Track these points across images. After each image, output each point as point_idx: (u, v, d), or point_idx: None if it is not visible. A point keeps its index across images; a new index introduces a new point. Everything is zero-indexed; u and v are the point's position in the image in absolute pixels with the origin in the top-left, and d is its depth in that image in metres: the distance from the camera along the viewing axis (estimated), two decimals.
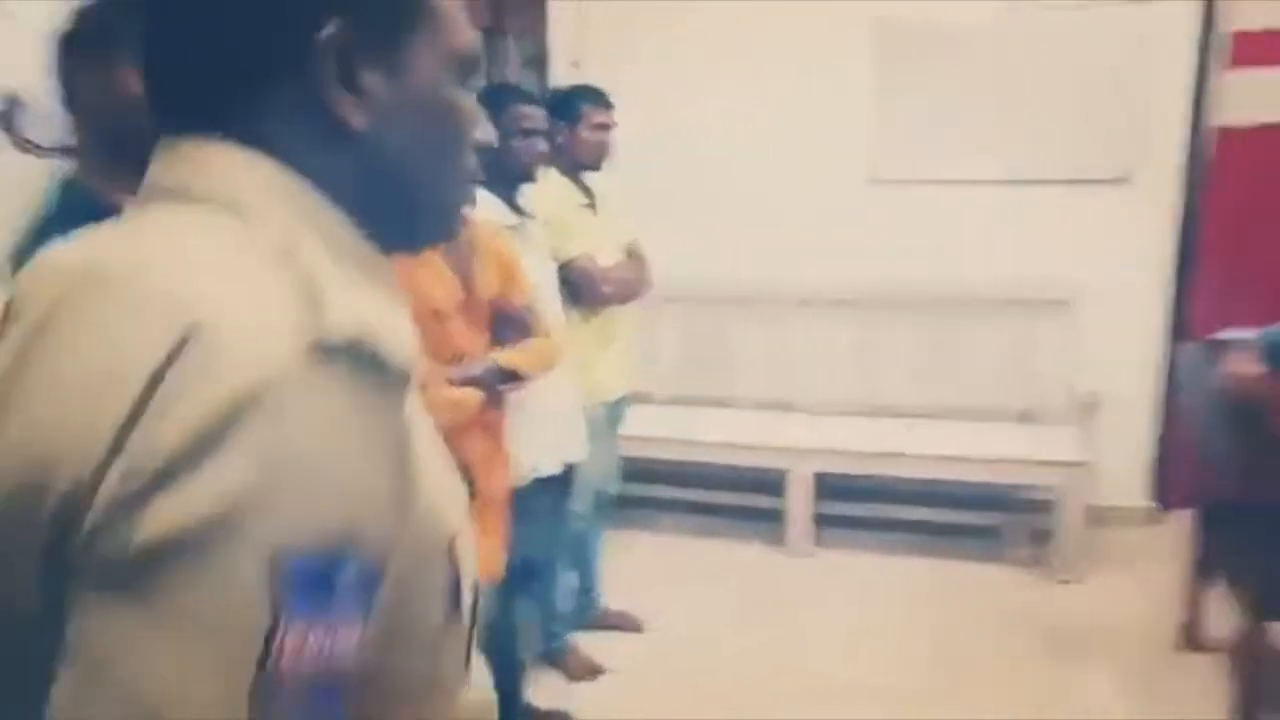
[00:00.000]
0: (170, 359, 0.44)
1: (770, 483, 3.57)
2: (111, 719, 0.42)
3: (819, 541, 3.48)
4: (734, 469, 3.60)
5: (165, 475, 0.42)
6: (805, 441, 3.45)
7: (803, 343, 3.81)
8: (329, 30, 0.54)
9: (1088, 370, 3.42)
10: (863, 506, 3.60)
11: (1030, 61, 3.44)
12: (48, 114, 1.53)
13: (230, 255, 0.51)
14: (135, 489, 0.42)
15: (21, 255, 1.26)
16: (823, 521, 3.50)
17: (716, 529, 3.67)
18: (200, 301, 0.46)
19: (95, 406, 0.44)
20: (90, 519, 0.43)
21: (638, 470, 3.32)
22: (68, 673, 0.42)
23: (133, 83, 1.31)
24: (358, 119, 0.56)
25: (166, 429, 0.43)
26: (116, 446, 0.43)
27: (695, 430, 3.60)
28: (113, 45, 1.31)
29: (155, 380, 0.44)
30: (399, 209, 0.60)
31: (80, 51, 1.33)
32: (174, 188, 0.56)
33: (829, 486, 3.48)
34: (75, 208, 1.31)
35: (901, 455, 3.32)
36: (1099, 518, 3.39)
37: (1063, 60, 3.41)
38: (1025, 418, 3.52)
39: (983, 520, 3.47)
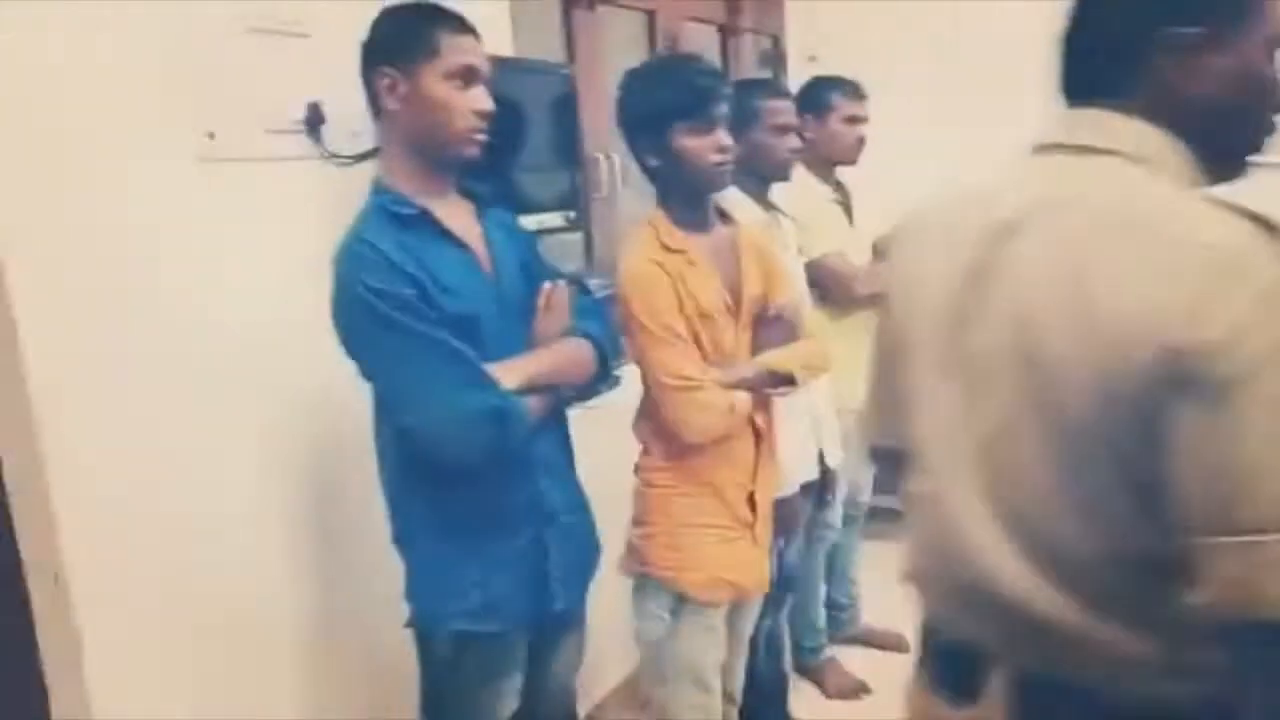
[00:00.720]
0: (1216, 262, 0.74)
1: None
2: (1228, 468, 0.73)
3: None
4: None
5: (1241, 329, 0.72)
6: None
7: None
8: (1188, 31, 0.84)
9: None
10: None
11: None
12: (349, 124, 1.62)
13: (1172, 192, 0.84)
14: (1218, 341, 0.72)
15: (346, 254, 1.33)
16: None
17: None
18: (1224, 222, 0.77)
19: (1171, 300, 0.74)
20: (1184, 358, 0.73)
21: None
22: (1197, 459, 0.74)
23: (432, 87, 1.35)
24: (1197, 89, 0.86)
25: (1237, 305, 0.72)
26: (1198, 316, 0.73)
27: None
28: (407, 52, 1.36)
29: (1214, 281, 0.73)
30: (1212, 152, 0.88)
31: (379, 59, 1.38)
32: (1084, 144, 0.89)
33: None
34: (384, 209, 1.37)
35: None
36: None
37: None
38: None
39: None
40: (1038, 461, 0.84)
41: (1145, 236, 0.79)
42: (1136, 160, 0.86)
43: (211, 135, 1.44)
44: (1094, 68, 0.91)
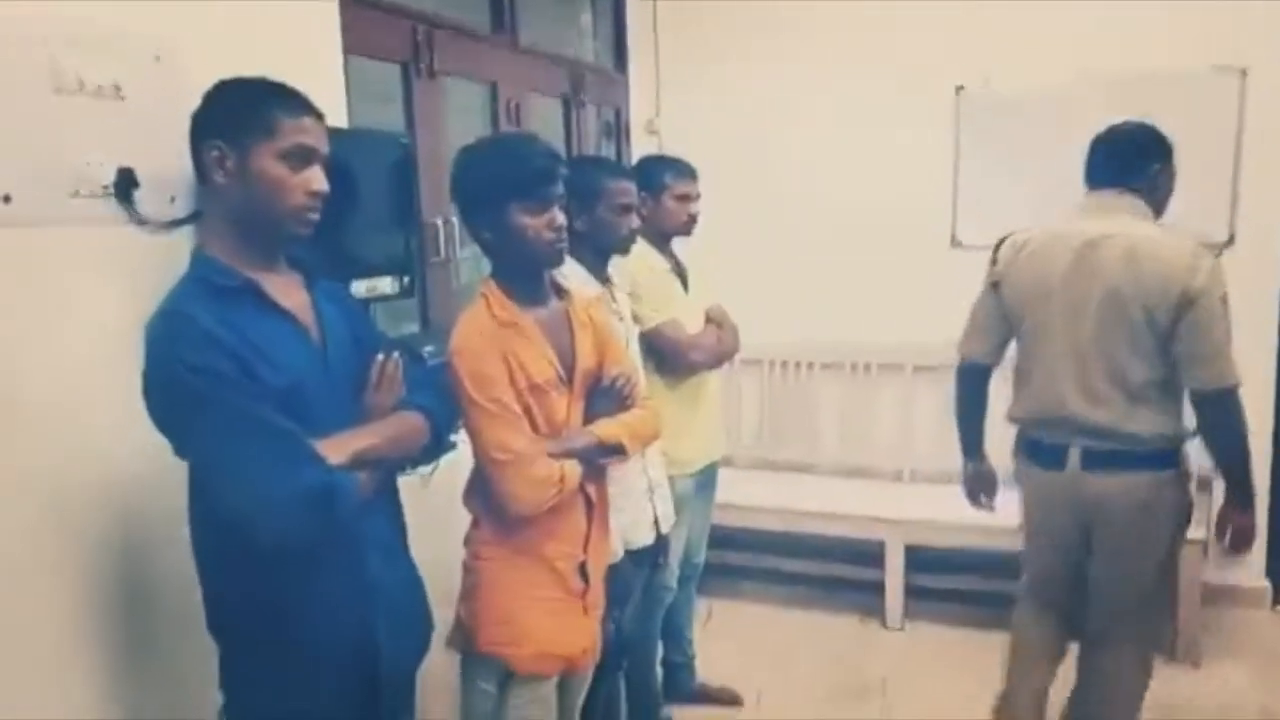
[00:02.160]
0: (1195, 257, 2.00)
1: (859, 553, 3.47)
2: None
3: (909, 614, 3.35)
4: (822, 538, 3.50)
5: (1204, 279, 1.98)
6: (900, 512, 3.35)
7: (885, 408, 3.72)
8: (1161, 162, 2.16)
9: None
10: (953, 579, 3.46)
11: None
12: (166, 190, 1.57)
13: (1165, 232, 2.09)
14: (1198, 286, 1.97)
15: (160, 326, 1.28)
16: (913, 593, 3.37)
17: (806, 599, 3.57)
18: (1191, 241, 2.05)
19: (1174, 274, 1.98)
20: (1186, 293, 1.97)
21: (722, 538, 3.24)
22: None
23: (265, 166, 1.33)
24: (1162, 186, 2.18)
25: (1202, 272, 1.98)
26: (1192, 276, 1.97)
27: (784, 498, 3.51)
28: (240, 129, 1.33)
29: (1189, 268, 1.98)
30: (1157, 213, 2.21)
31: (209, 132, 1.35)
32: (1113, 208, 2.12)
33: (915, 558, 3.36)
34: (204, 280, 1.33)
35: (1001, 528, 3.16)
36: (1214, 597, 3.20)
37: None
38: None
39: None
40: (1118, 342, 2.03)
41: (1164, 248, 2.00)
42: (1135, 214, 2.09)
43: (7, 198, 1.35)
44: (1116, 173, 2.13)
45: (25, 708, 1.39)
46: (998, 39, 3.45)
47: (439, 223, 2.52)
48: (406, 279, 2.11)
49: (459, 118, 2.77)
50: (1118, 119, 2.38)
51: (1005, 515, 3.18)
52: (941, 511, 3.29)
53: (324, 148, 1.39)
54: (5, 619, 1.37)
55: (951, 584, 3.45)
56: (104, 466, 1.50)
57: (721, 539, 3.26)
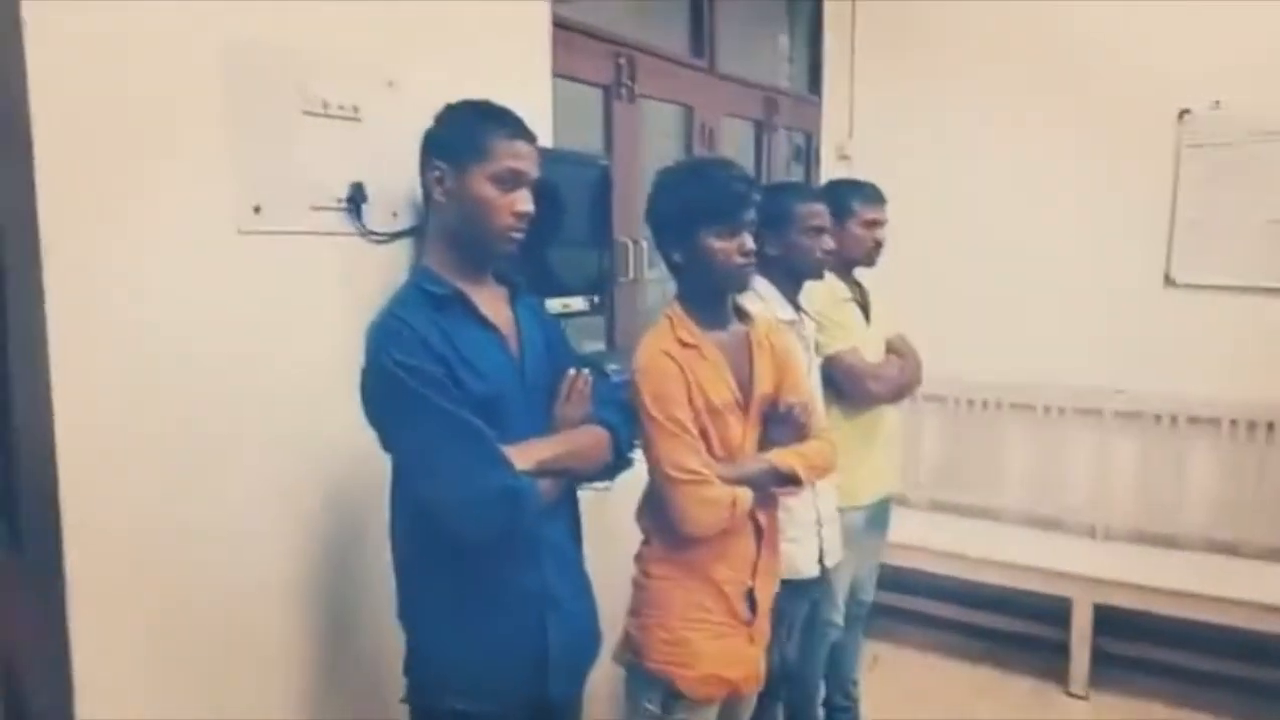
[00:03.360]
0: None
1: (1041, 610, 3.25)
2: None
3: (1094, 681, 3.11)
4: (1001, 590, 3.30)
5: None
6: (1089, 569, 3.12)
7: (1079, 456, 3.48)
8: None
9: None
10: (1146, 648, 3.18)
11: None
12: (390, 205, 1.70)
13: None
14: None
15: (379, 328, 1.38)
16: (1099, 659, 3.13)
17: (979, 653, 3.38)
18: None
19: None
20: None
21: (893, 579, 3.13)
22: None
23: (477, 187, 1.42)
24: None
25: None
26: None
27: (962, 543, 3.35)
28: (458, 151, 1.43)
29: None
30: None
31: (434, 153, 1.45)
32: None
33: (1104, 620, 3.11)
34: (419, 288, 1.43)
35: (1204, 596, 2.90)
36: None
37: None
38: None
39: None
40: None
41: None
42: None
43: (258, 209, 1.51)
44: None
45: (245, 670, 1.54)
46: (1230, 57, 3.17)
47: (629, 243, 2.59)
48: (597, 298, 2.18)
49: (655, 139, 2.84)
50: None
51: (1203, 582, 2.93)
52: (1137, 572, 3.06)
53: (534, 172, 1.47)
54: (229, 581, 1.52)
55: (1145, 653, 3.18)
56: (324, 455, 1.64)
57: (893, 580, 3.15)
